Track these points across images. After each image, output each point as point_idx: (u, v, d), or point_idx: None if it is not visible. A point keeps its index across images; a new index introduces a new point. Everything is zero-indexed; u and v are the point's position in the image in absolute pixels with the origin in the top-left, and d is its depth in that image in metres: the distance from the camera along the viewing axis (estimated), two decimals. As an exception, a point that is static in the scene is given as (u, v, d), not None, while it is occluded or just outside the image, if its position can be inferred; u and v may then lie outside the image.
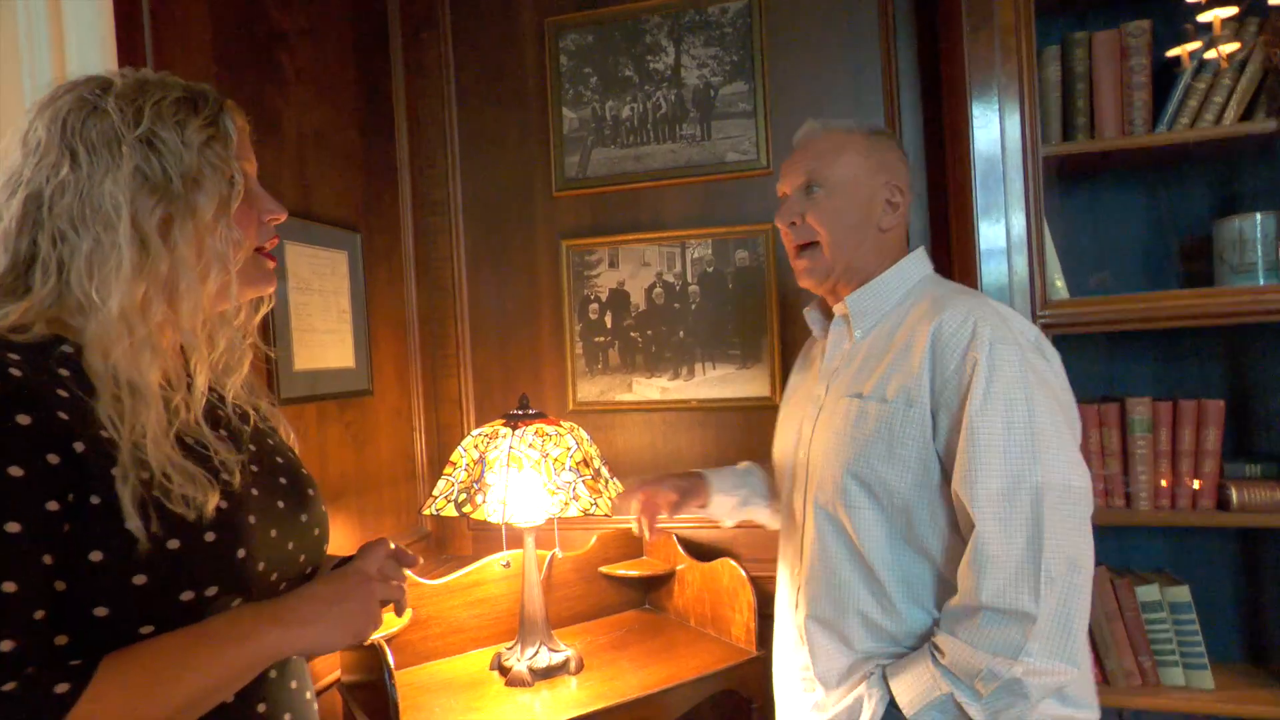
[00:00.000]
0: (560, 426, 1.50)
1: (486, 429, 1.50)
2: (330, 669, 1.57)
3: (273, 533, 0.74)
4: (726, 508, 1.31)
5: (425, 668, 1.56)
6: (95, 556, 0.60)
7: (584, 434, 1.54)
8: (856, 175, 1.10)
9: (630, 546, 1.88)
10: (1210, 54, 1.42)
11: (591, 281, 1.98)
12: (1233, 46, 1.40)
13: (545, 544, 1.62)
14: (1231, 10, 1.39)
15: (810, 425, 1.13)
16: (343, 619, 0.70)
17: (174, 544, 0.63)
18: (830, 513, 1.06)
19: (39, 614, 0.58)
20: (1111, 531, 1.59)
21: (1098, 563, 1.47)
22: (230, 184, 0.72)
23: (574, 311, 1.98)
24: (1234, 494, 1.42)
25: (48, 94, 0.70)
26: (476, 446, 1.46)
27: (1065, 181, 1.63)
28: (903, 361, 1.02)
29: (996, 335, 0.96)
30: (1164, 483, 1.46)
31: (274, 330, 1.53)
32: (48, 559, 0.58)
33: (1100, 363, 1.64)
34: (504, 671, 1.48)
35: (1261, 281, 1.42)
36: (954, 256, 1.66)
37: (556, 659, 1.47)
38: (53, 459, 0.59)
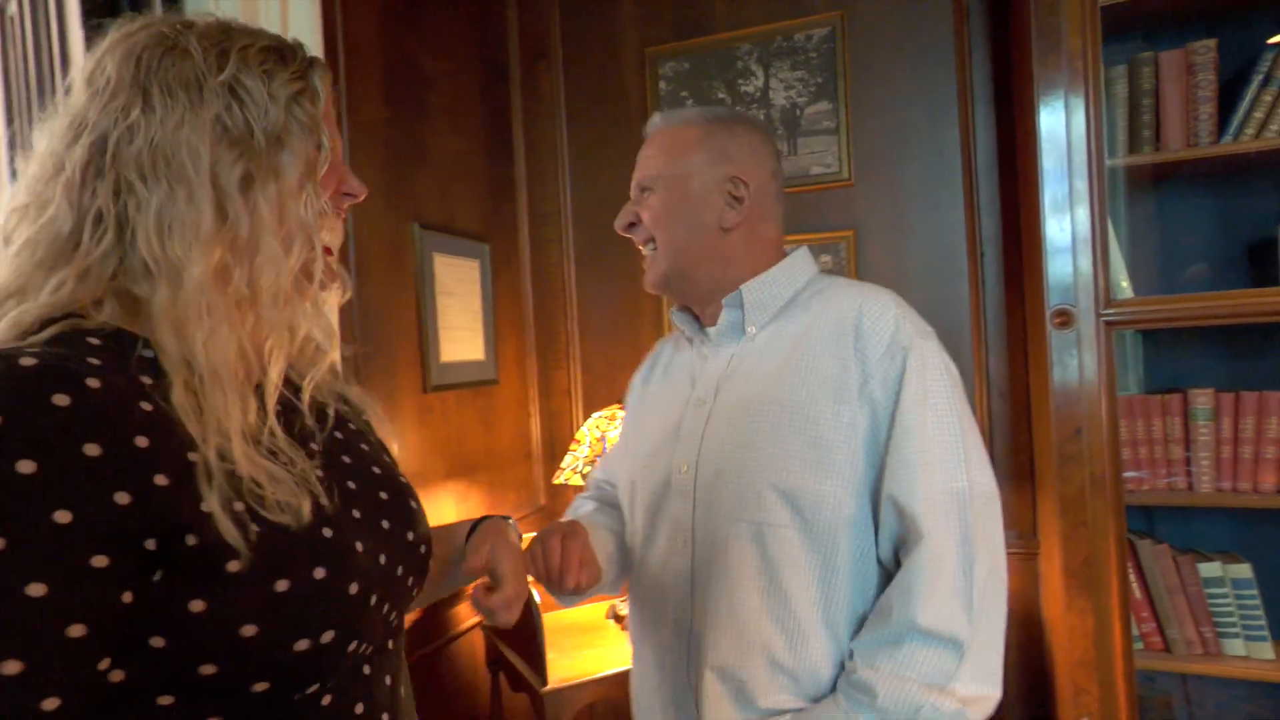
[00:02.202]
0: (668, 410, 1.73)
1: (605, 412, 1.75)
2: (473, 613, 1.85)
3: (381, 559, 0.63)
4: (610, 576, 1.05)
5: (550, 616, 1.83)
6: (196, 607, 0.50)
7: (687, 417, 1.77)
8: (686, 170, 0.98)
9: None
10: None
11: (687, 283, 2.21)
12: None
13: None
14: None
15: (696, 439, 0.97)
16: None
17: (282, 585, 0.53)
18: (743, 535, 0.90)
19: (49, 704, 0.45)
20: (1176, 512, 1.71)
21: (1159, 541, 1.63)
22: (318, 147, 0.63)
23: (670, 310, 2.21)
24: (1294, 478, 1.53)
25: (120, 29, 0.60)
26: (598, 427, 1.71)
27: (1134, 188, 1.75)
28: (819, 358, 0.92)
29: (919, 331, 0.91)
30: (1225, 468, 1.58)
31: (425, 328, 1.82)
32: (77, 630, 0.46)
33: (1167, 358, 1.76)
34: (618, 619, 1.73)
35: (1323, 281, 1.52)
36: (1025, 257, 1.81)
37: (664, 610, 1.71)
38: (120, 498, 0.48)
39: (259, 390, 0.61)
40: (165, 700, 0.52)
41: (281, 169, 0.60)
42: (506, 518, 0.88)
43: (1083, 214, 1.59)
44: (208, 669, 0.51)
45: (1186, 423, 1.60)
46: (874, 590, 0.90)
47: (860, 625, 0.89)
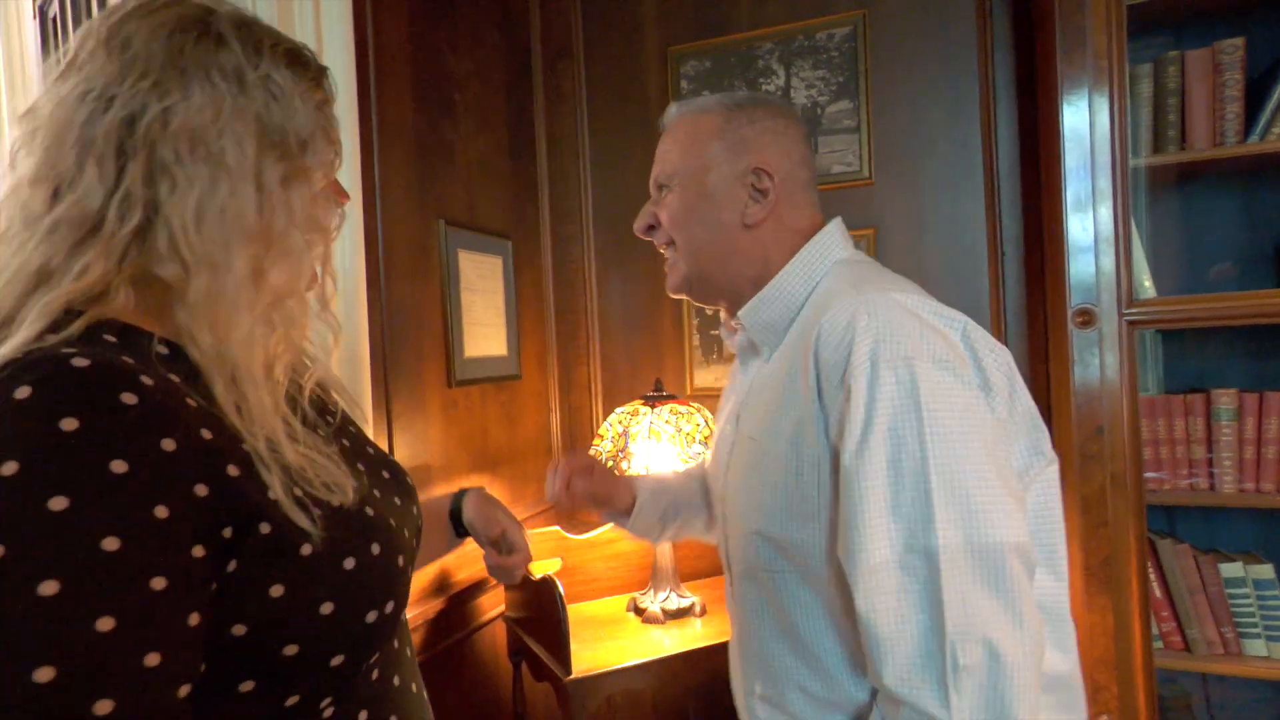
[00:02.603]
0: (690, 406, 1.75)
1: (628, 408, 1.77)
2: (495, 604, 1.88)
3: (405, 532, 0.67)
4: (647, 523, 1.15)
5: (572, 607, 1.85)
6: (276, 591, 0.52)
7: (709, 414, 1.79)
8: (704, 164, 0.90)
9: (741, 516, 2.12)
10: None
11: (707, 281, 2.22)
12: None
13: (671, 509, 1.89)
14: None
15: (724, 469, 0.94)
16: None
17: (349, 563, 0.57)
18: (748, 578, 0.88)
19: (183, 691, 0.47)
20: (1197, 513, 1.71)
21: (1180, 541, 1.62)
22: (336, 153, 0.65)
23: (692, 307, 2.23)
24: (1318, 479, 1.52)
25: (126, 2, 0.58)
26: (620, 422, 1.74)
27: (1158, 188, 1.75)
28: (791, 391, 0.80)
29: (879, 347, 0.73)
30: (1248, 468, 1.58)
31: (450, 324, 1.85)
32: (195, 618, 0.48)
33: (1192, 358, 1.75)
34: (639, 612, 1.75)
35: (1350, 281, 1.51)
36: (1047, 256, 1.81)
37: (684, 603, 1.74)
38: (200, 490, 0.48)
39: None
40: (246, 687, 0.53)
41: (309, 170, 0.61)
42: (478, 489, 1.01)
43: (1105, 213, 1.59)
44: (290, 649, 0.53)
45: (1209, 423, 1.60)
46: None
47: None
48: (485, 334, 2.01)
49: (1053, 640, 0.82)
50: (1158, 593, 1.63)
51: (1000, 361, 0.78)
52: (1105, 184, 1.59)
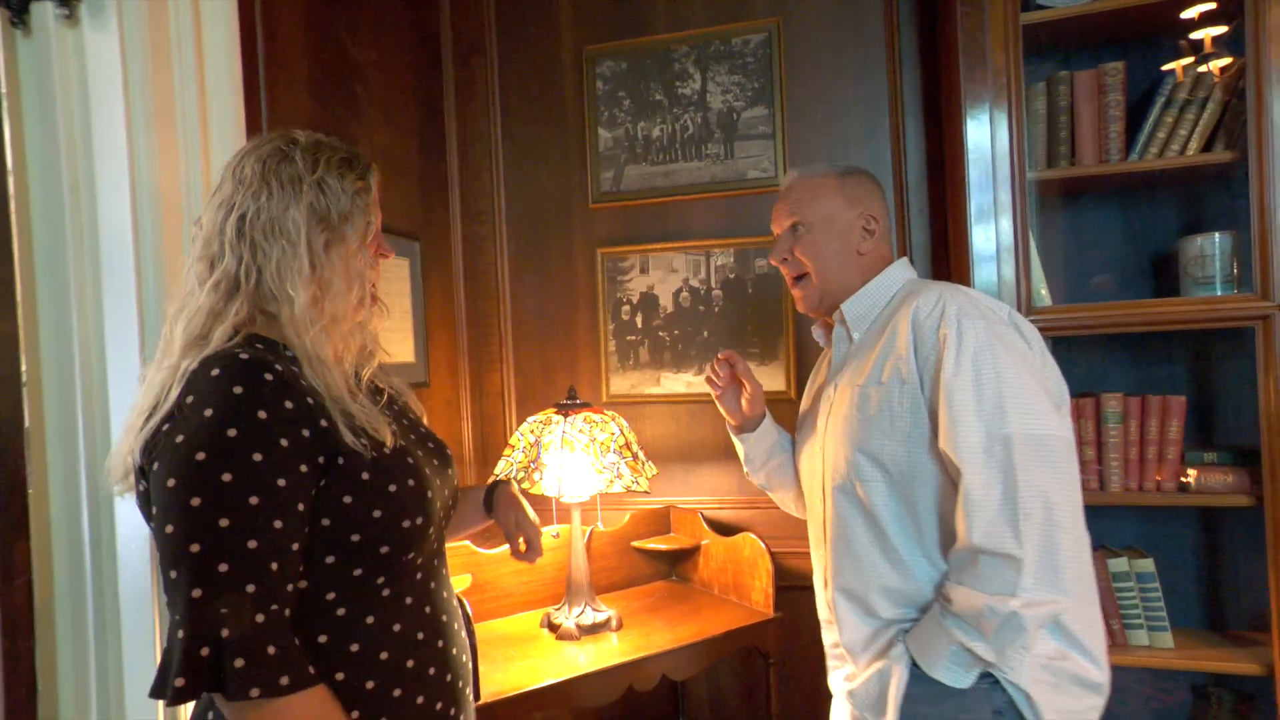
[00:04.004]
0: (604, 415, 1.71)
1: (540, 416, 1.71)
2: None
3: (438, 482, 0.96)
4: (766, 443, 1.43)
5: (482, 625, 1.78)
6: (347, 499, 0.83)
7: (624, 422, 1.75)
8: (833, 212, 1.28)
9: (659, 524, 2.10)
10: (1168, 66, 1.61)
11: (624, 286, 2.19)
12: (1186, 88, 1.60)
13: (583, 519, 1.83)
14: (1189, 60, 1.60)
15: (824, 420, 1.28)
16: None
17: (393, 488, 0.87)
18: (848, 489, 1.19)
19: (295, 545, 0.79)
20: (1088, 511, 1.79)
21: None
22: (368, 224, 0.95)
23: (608, 313, 2.20)
24: (1193, 478, 1.62)
25: (253, 142, 0.95)
26: (533, 431, 1.68)
27: (1050, 200, 1.83)
28: (891, 347, 1.17)
29: (963, 311, 1.10)
30: (1133, 468, 1.67)
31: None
32: (302, 506, 0.80)
33: (1080, 363, 1.85)
34: (554, 628, 1.70)
35: (1219, 292, 1.62)
36: (951, 264, 1.87)
37: (600, 617, 1.69)
38: (305, 433, 0.81)
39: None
40: (330, 559, 0.84)
41: (346, 237, 0.92)
42: (508, 481, 1.27)
43: (1006, 224, 1.65)
44: (355, 537, 0.84)
45: (1099, 425, 1.69)
46: (953, 515, 1.10)
47: (949, 543, 1.11)
48: (391, 339, 1.91)
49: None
50: (1053, 588, 1.70)
51: (1035, 333, 1.16)
52: (1005, 196, 1.65)
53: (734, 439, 1.46)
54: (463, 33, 2.26)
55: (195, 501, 0.75)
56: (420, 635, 0.90)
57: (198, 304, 0.88)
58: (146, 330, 1.24)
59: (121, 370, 1.23)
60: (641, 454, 1.74)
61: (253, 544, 0.76)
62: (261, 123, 1.48)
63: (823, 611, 1.30)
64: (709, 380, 1.41)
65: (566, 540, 1.77)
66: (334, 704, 0.81)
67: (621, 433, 1.70)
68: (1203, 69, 1.63)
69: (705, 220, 2.14)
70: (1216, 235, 1.63)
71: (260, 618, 0.75)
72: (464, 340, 2.27)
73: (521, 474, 1.62)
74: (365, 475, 0.84)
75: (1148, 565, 1.68)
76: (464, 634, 1.03)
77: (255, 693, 0.73)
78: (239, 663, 0.73)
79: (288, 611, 0.79)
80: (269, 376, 0.80)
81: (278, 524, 0.77)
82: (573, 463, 1.60)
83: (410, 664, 0.88)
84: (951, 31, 1.71)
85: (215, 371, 0.80)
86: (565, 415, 1.67)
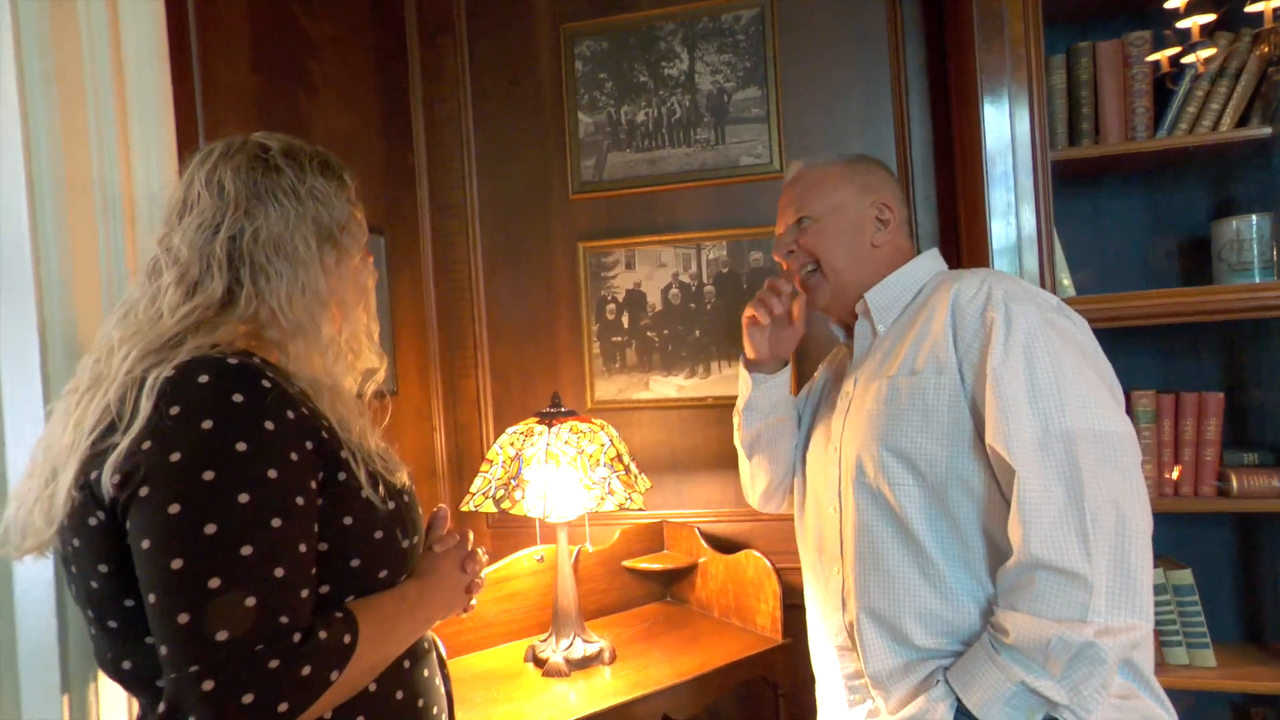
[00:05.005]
0: (592, 424, 1.54)
1: (521, 426, 1.54)
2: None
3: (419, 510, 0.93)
4: (777, 394, 1.25)
5: (458, 661, 1.60)
6: (347, 520, 0.76)
7: (614, 431, 1.58)
8: (842, 201, 1.15)
9: (652, 541, 1.93)
10: (1189, 59, 1.48)
11: (608, 282, 2.02)
12: (1209, 52, 1.47)
13: (569, 539, 1.66)
14: (1210, 17, 1.46)
15: (841, 421, 1.13)
16: (447, 593, 0.87)
17: (392, 505, 0.80)
18: (873, 493, 1.04)
19: (314, 571, 0.72)
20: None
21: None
22: (361, 229, 0.88)
23: (591, 312, 2.03)
24: (1234, 481, 1.49)
25: (215, 148, 0.83)
26: (513, 444, 1.50)
27: (1070, 184, 1.70)
28: (925, 334, 1.04)
29: (1010, 295, 0.98)
30: (1168, 473, 1.54)
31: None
32: (316, 526, 0.73)
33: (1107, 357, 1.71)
34: (540, 663, 1.52)
35: (1257, 279, 1.50)
36: (964, 256, 1.73)
37: (591, 650, 1.52)
38: (309, 445, 0.73)
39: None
40: (324, 590, 0.75)
41: (350, 249, 0.85)
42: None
43: (1028, 210, 1.51)
44: (355, 562, 0.77)
45: (1131, 426, 1.55)
46: (1000, 523, 0.95)
47: (996, 558, 0.97)
48: (352, 344, 1.72)
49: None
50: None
51: (1086, 326, 1.03)
52: (1027, 180, 1.51)
53: (743, 373, 1.26)
54: (429, 9, 2.08)
55: (210, 529, 0.66)
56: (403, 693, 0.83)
57: (163, 328, 0.76)
58: (50, 352, 1.03)
59: (20, 398, 1.03)
60: (634, 466, 1.57)
61: (279, 572, 0.68)
62: (195, 97, 1.29)
63: (835, 637, 1.12)
64: (760, 301, 1.20)
65: (551, 563, 1.59)
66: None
67: (612, 443, 1.53)
68: (1235, 37, 1.50)
69: (695, 210, 1.98)
70: (1254, 218, 1.51)
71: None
72: (435, 344, 2.09)
73: (501, 492, 1.44)
74: (364, 493, 0.77)
75: (1185, 577, 1.55)
76: (438, 679, 0.92)
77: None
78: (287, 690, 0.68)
79: None
80: (266, 384, 0.72)
81: (302, 548, 0.70)
82: (558, 479, 1.43)
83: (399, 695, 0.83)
84: (963, 3, 1.57)
85: (204, 378, 0.70)
86: (549, 425, 1.50)
